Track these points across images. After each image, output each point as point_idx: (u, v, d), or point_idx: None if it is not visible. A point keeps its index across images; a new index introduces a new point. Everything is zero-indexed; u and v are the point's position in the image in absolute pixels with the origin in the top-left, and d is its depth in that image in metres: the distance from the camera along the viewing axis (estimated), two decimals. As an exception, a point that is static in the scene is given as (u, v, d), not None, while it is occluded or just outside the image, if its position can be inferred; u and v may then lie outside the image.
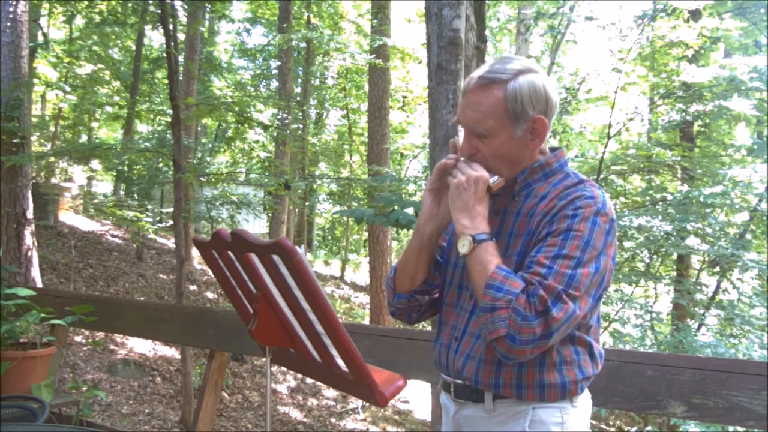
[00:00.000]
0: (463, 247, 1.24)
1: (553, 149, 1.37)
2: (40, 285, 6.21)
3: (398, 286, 1.46)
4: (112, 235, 11.21)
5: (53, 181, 12.35)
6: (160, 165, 11.41)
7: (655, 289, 7.31)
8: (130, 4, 10.15)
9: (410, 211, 4.04)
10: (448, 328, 1.39)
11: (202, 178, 7.07)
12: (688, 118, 7.55)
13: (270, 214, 13.24)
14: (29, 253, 6.05)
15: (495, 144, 1.28)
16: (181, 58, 9.26)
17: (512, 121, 1.26)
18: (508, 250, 1.29)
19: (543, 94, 1.26)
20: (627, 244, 6.70)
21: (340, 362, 1.28)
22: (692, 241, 6.35)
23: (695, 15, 7.39)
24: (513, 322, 1.13)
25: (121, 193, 15.88)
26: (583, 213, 1.20)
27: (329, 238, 24.24)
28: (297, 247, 1.13)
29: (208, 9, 11.26)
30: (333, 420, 7.10)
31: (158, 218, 12.50)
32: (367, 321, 11.72)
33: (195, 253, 10.45)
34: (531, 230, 1.26)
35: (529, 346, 1.14)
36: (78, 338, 6.53)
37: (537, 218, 1.26)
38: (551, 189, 1.29)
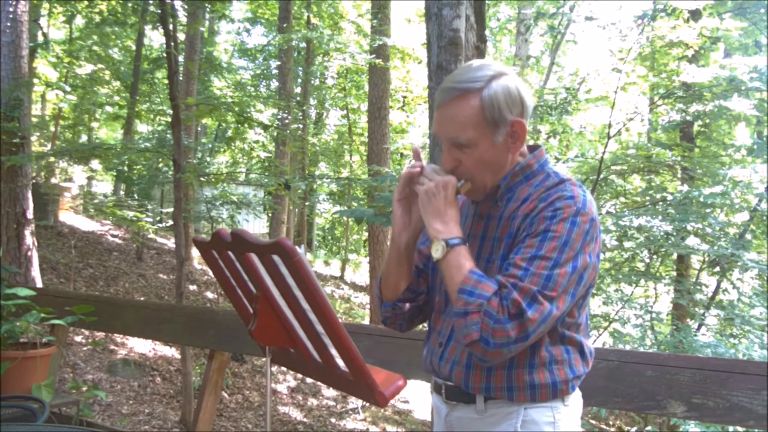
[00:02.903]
0: (437, 252, 1.24)
1: (532, 148, 1.36)
2: (40, 285, 6.20)
3: (384, 295, 1.47)
4: (112, 235, 11.21)
5: (53, 181, 12.33)
6: (160, 165, 11.38)
7: (655, 289, 7.30)
8: (130, 4, 10.14)
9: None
10: (435, 334, 1.41)
11: (202, 178, 7.06)
12: (688, 118, 7.54)
13: (270, 214, 13.24)
14: (29, 253, 6.05)
15: (477, 153, 1.27)
16: (181, 58, 9.25)
17: (492, 127, 1.25)
18: (492, 254, 1.29)
19: (518, 97, 1.26)
20: (627, 244, 6.69)
21: (340, 362, 1.28)
22: (692, 241, 6.34)
23: (695, 15, 7.38)
24: (485, 326, 1.13)
25: (121, 193, 15.84)
26: (562, 214, 1.19)
27: (329, 238, 24.24)
28: (297, 247, 1.13)
29: (208, 9, 11.26)
30: (333, 420, 7.10)
31: (158, 218, 12.48)
32: (367, 321, 11.72)
33: (195, 253, 10.45)
34: (512, 233, 1.26)
35: (505, 349, 1.13)
36: (78, 338, 6.53)
37: (518, 220, 1.26)
38: (533, 191, 1.28)
